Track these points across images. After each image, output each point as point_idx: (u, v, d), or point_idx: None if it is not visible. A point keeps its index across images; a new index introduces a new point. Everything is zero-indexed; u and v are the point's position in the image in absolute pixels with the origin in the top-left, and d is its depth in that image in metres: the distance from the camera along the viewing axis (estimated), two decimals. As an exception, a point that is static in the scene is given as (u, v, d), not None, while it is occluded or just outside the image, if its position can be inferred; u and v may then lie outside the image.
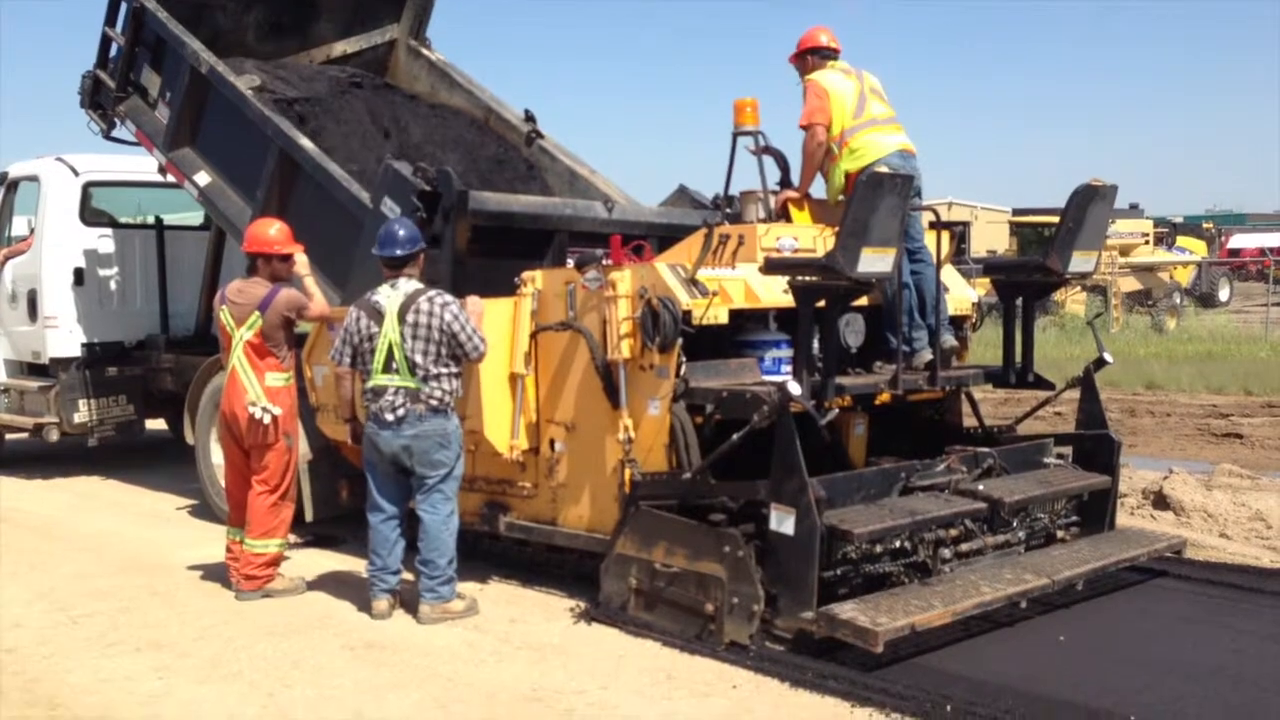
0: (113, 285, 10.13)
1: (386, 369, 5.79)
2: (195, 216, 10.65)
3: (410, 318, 5.73)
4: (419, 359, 5.73)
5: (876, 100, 6.63)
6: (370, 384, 5.86)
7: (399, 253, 5.91)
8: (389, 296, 5.84)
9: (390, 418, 5.77)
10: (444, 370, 5.76)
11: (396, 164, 6.83)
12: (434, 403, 5.75)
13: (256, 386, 6.32)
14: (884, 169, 6.01)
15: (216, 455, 8.44)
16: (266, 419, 6.29)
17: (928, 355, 6.41)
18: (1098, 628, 5.65)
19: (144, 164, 9.51)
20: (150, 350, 9.97)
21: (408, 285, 5.86)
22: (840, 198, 6.42)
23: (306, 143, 7.69)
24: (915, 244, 6.48)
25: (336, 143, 8.24)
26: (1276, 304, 23.94)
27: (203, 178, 8.52)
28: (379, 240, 6.01)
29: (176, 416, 9.69)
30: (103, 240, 10.08)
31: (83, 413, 9.87)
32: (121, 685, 5.05)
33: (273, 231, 6.54)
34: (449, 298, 5.80)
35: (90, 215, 10.12)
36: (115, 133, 9.46)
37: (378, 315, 5.82)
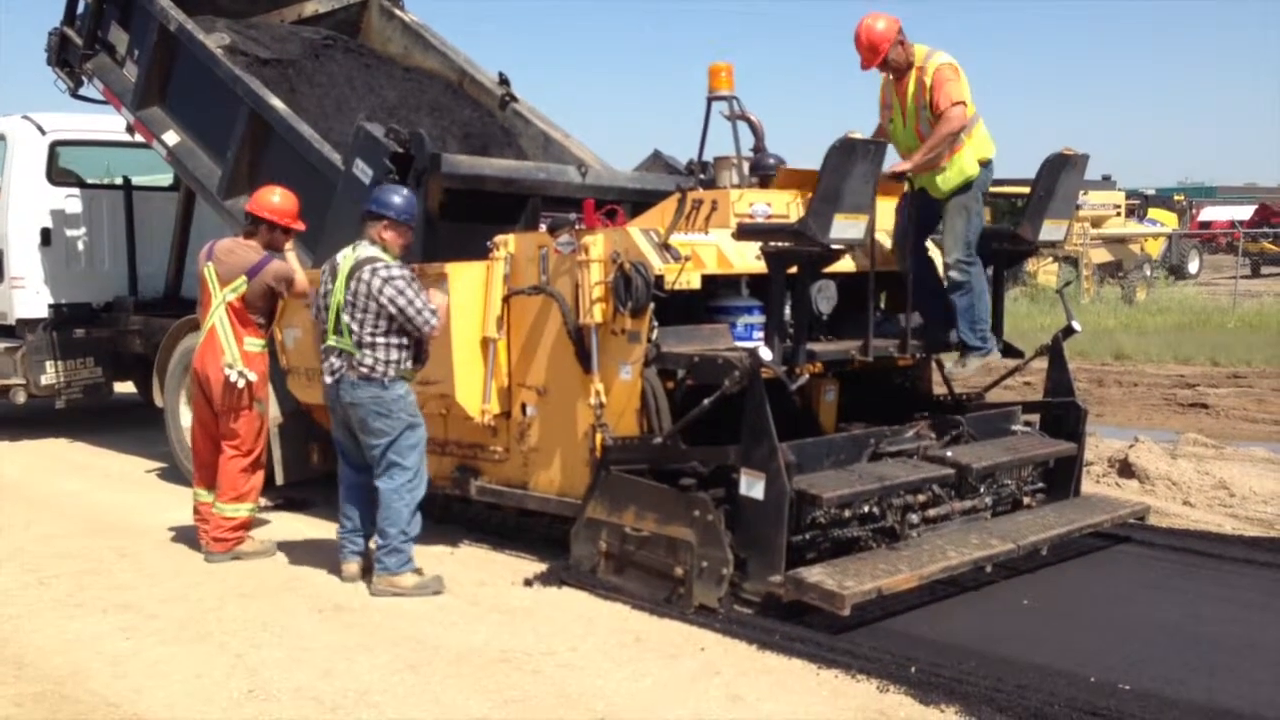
0: (80, 246, 10.01)
1: (335, 329, 5.72)
2: (165, 177, 10.53)
3: (352, 284, 5.63)
4: (355, 326, 5.63)
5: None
6: (323, 344, 5.83)
7: (370, 208, 5.80)
8: (345, 256, 5.75)
9: (329, 380, 5.76)
10: (382, 340, 5.63)
11: (369, 125, 6.78)
12: (364, 370, 5.64)
13: (234, 349, 6.28)
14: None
15: (185, 418, 8.39)
16: (241, 383, 6.25)
17: (996, 355, 6.53)
18: (1062, 592, 5.73)
19: (113, 123, 9.38)
20: (118, 312, 9.89)
21: (365, 250, 5.73)
22: (962, 182, 6.23)
23: (278, 103, 7.61)
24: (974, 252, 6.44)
25: (310, 105, 8.15)
26: (1245, 276, 24.16)
27: (171, 137, 8.42)
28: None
29: (145, 379, 9.61)
30: (70, 200, 9.95)
31: (50, 375, 9.78)
32: (89, 646, 5.04)
33: (282, 200, 6.46)
34: (396, 272, 5.62)
35: (57, 175, 9.98)
36: (83, 91, 9.34)
37: (333, 273, 5.76)
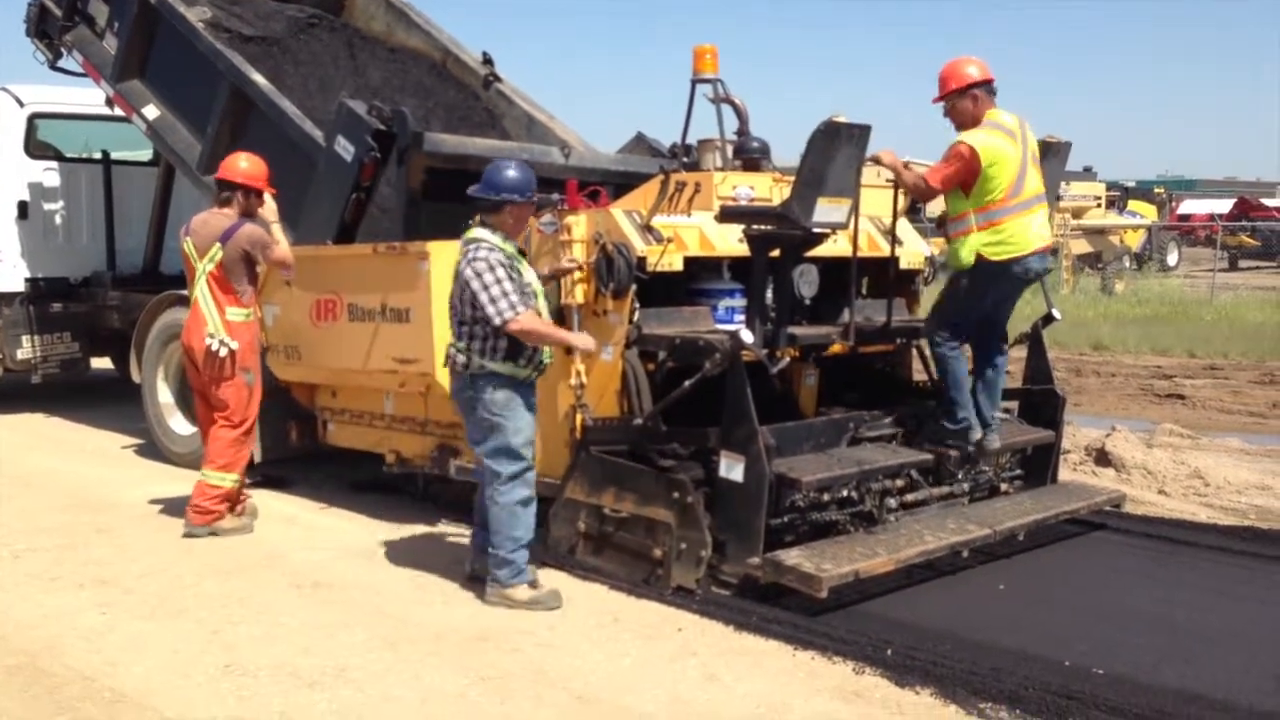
0: (58, 220, 9.92)
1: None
2: (144, 152, 10.44)
3: (455, 269, 5.23)
4: (451, 312, 5.27)
5: (1035, 171, 5.88)
6: None
7: (472, 189, 5.23)
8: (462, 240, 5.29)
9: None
10: (464, 328, 5.16)
11: (351, 102, 6.74)
12: (457, 363, 5.21)
13: (216, 319, 6.26)
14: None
15: (163, 394, 8.37)
16: (223, 352, 6.23)
17: (996, 443, 6.13)
18: (1037, 577, 5.77)
19: (92, 96, 9.30)
20: (96, 287, 9.81)
21: (473, 232, 5.22)
22: (956, 267, 5.87)
23: (259, 78, 7.56)
24: (1004, 341, 6.31)
25: (293, 84, 8.09)
26: (1223, 270, 24.32)
27: (151, 111, 8.35)
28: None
29: (122, 355, 9.55)
30: (48, 174, 9.85)
31: (26, 349, 9.70)
32: (65, 620, 5.02)
33: (250, 165, 6.43)
34: (483, 253, 5.06)
35: (35, 148, 9.88)
36: (62, 63, 9.25)
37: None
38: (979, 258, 5.80)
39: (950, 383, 6.03)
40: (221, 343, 6.22)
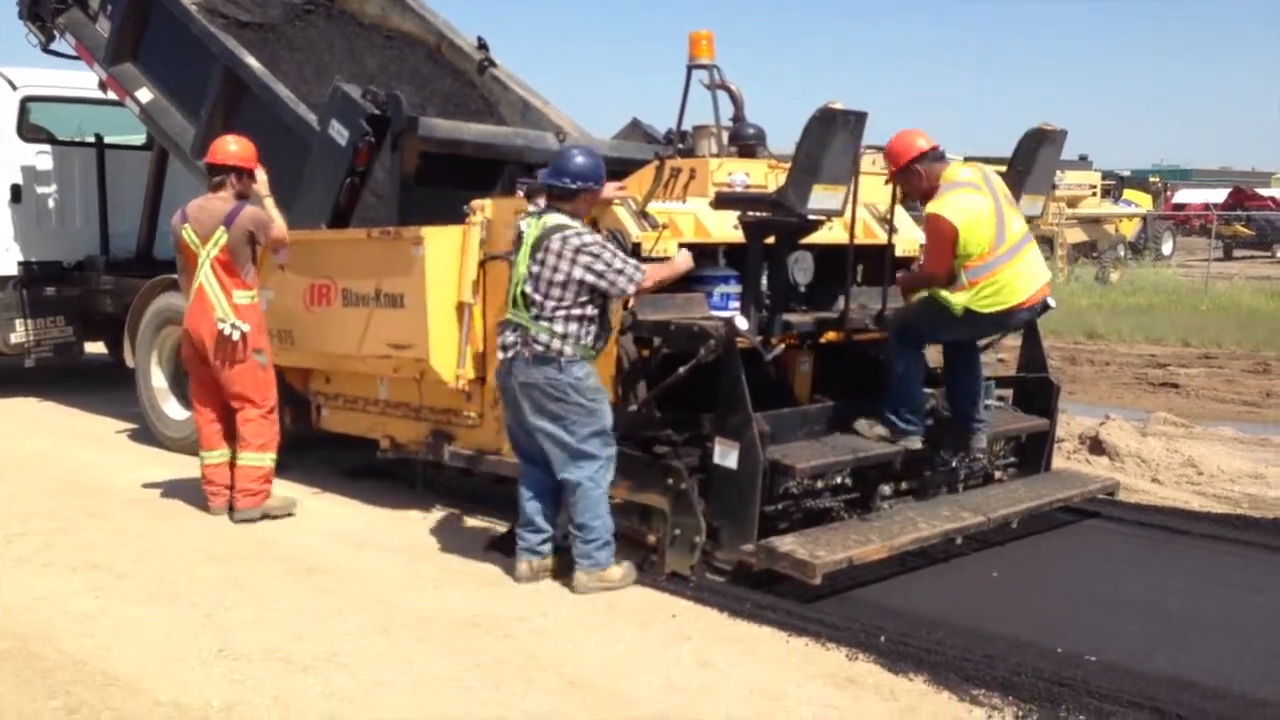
0: (51, 204, 9.88)
1: (514, 303, 5.29)
2: (138, 136, 10.40)
3: (539, 254, 5.18)
4: (538, 298, 5.18)
5: (1011, 212, 5.74)
6: (503, 317, 5.38)
7: (542, 177, 5.34)
8: (530, 225, 5.29)
9: (501, 356, 5.33)
10: (562, 313, 5.16)
11: (346, 86, 6.70)
12: (538, 348, 5.17)
13: (224, 304, 6.24)
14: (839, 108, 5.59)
15: (157, 379, 8.35)
16: (236, 335, 6.22)
17: (983, 441, 6.08)
18: (1030, 565, 5.78)
19: (85, 79, 9.25)
20: (89, 271, 9.77)
21: (553, 218, 5.24)
22: (941, 300, 5.68)
23: (253, 61, 7.52)
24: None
25: (289, 70, 8.04)
26: (1218, 259, 24.34)
27: (145, 94, 8.30)
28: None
29: (116, 339, 9.52)
30: (41, 157, 9.81)
31: (19, 333, 9.67)
32: (57, 604, 5.01)
33: (239, 147, 6.42)
34: (589, 238, 5.17)
35: (29, 131, 9.83)
36: (55, 45, 9.19)
37: (517, 243, 5.32)
38: (968, 310, 5.64)
39: (907, 385, 5.87)
40: (233, 326, 6.21)
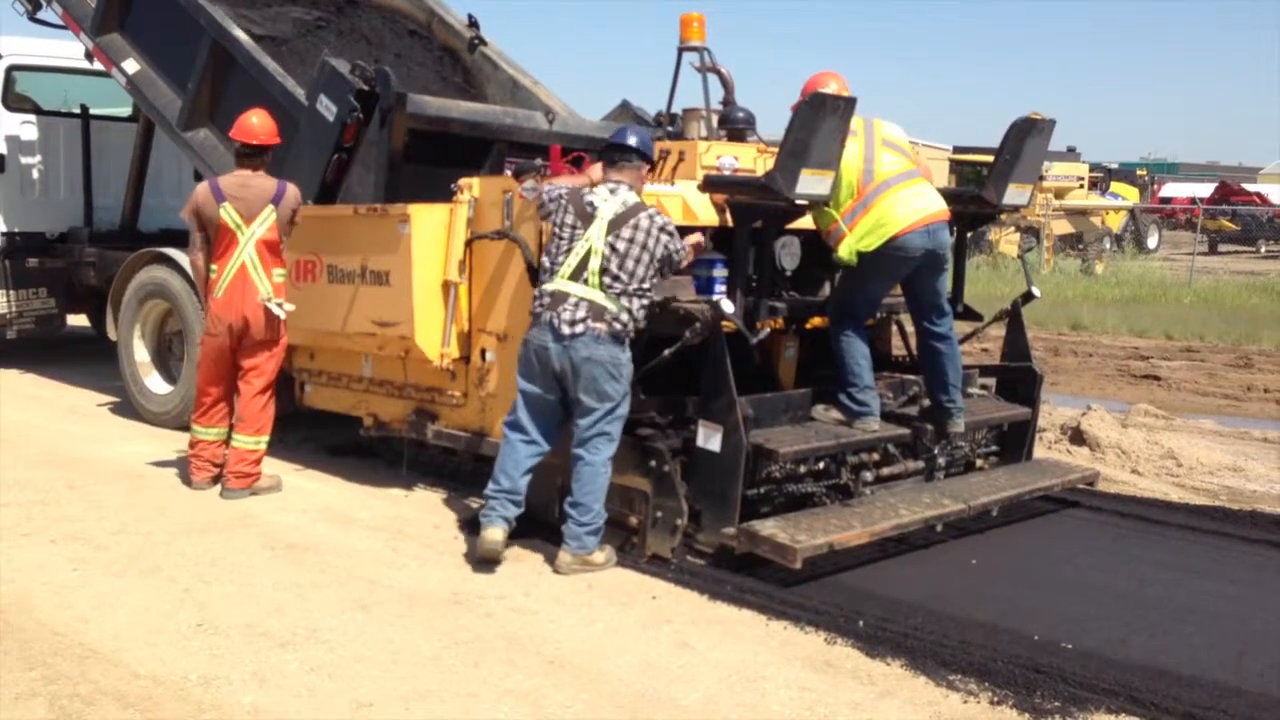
0: (35, 174, 9.81)
1: (575, 275, 5.19)
2: (124, 108, 10.32)
3: (626, 231, 5.18)
4: (624, 276, 5.16)
5: (889, 153, 5.82)
6: (550, 286, 5.24)
7: (628, 140, 5.42)
8: (603, 199, 5.28)
9: (567, 330, 5.12)
10: (641, 291, 5.21)
11: (334, 61, 6.66)
12: (617, 326, 5.14)
13: (267, 284, 6.23)
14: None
15: (139, 352, 8.31)
16: (282, 314, 6.23)
17: (960, 426, 6.05)
18: (1010, 553, 5.81)
19: (72, 49, 9.17)
20: (73, 243, 9.70)
21: (628, 194, 5.31)
22: (846, 266, 5.77)
23: (241, 35, 7.46)
24: (941, 319, 6.06)
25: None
26: (1203, 253, 24.44)
27: (131, 65, 8.23)
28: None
29: (98, 312, 9.47)
30: (26, 127, 9.73)
31: (1, 304, 9.62)
32: (35, 575, 5.00)
33: (262, 121, 6.39)
34: (667, 219, 5.31)
35: (13, 100, 9.75)
36: (41, 14, 9.08)
37: (581, 216, 5.26)
38: (859, 254, 5.69)
39: (849, 363, 5.85)
40: (279, 304, 6.21)
